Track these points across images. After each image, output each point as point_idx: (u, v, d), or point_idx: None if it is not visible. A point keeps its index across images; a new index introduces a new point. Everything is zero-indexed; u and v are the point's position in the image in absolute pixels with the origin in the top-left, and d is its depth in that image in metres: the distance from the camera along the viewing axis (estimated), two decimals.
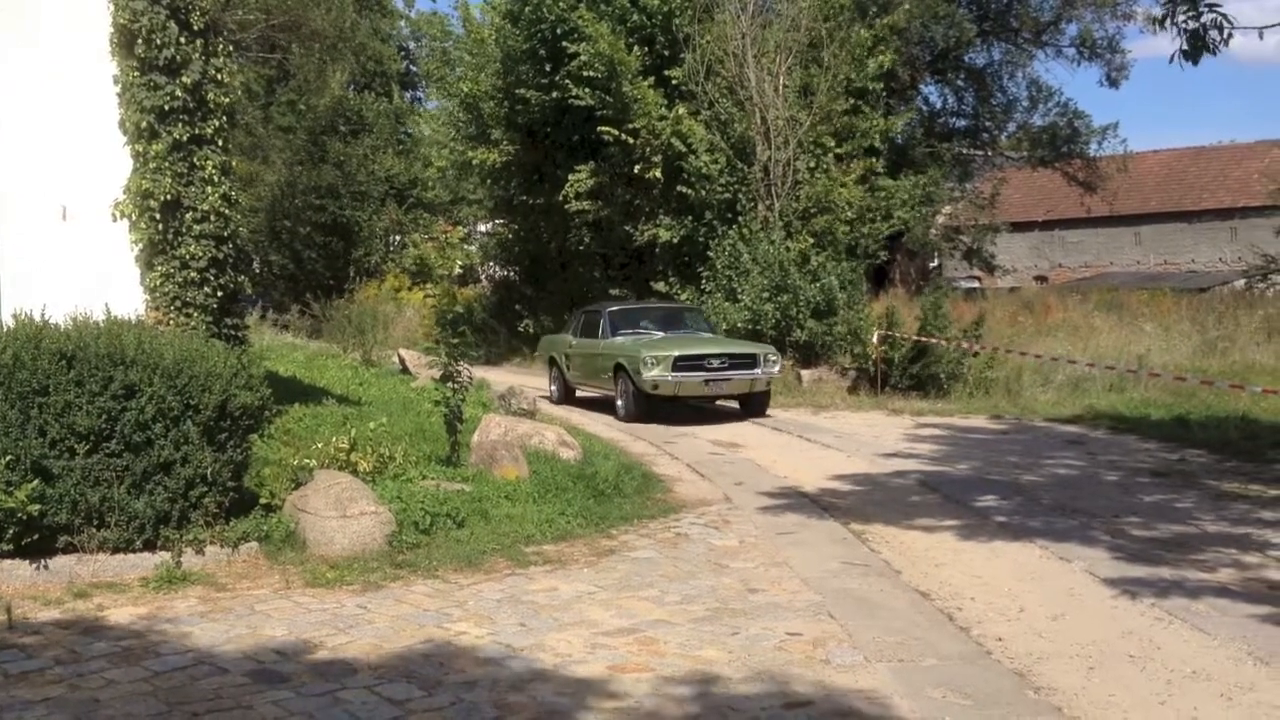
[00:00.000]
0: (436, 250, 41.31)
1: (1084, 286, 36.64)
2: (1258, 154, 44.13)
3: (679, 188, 22.68)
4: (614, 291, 26.13)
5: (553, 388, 19.12)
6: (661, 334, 17.44)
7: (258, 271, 35.74)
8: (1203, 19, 7.16)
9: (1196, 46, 7.23)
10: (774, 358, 16.89)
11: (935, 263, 23.76)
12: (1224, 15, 7.16)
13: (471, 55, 28.62)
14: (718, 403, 17.77)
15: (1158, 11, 7.63)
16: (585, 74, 23.05)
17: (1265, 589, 7.34)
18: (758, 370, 16.50)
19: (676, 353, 16.07)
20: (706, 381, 16.19)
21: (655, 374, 15.86)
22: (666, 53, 23.64)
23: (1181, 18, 7.23)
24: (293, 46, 32.43)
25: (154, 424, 7.35)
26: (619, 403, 16.57)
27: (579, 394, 18.86)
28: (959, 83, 35.39)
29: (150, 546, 7.48)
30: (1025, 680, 5.73)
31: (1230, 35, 7.25)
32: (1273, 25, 7.95)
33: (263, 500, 8.24)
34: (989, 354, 18.85)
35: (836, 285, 20.21)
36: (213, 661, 5.86)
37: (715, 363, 16.26)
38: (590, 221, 25.91)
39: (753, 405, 16.94)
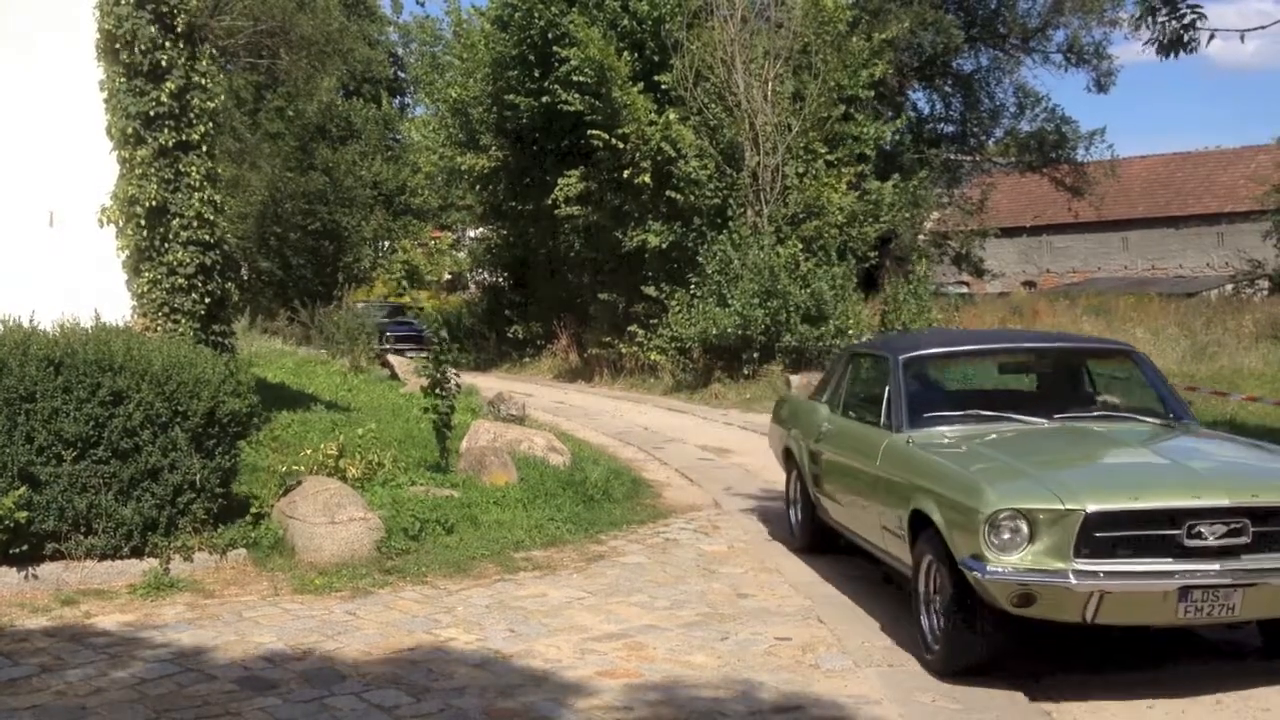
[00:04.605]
0: (425, 256, 41.33)
1: (1072, 291, 36.76)
2: (1244, 159, 44.29)
3: (668, 193, 22.66)
4: (603, 296, 26.05)
5: (792, 513, 9.07)
6: (1041, 422, 6.99)
7: (246, 278, 35.68)
8: (1184, 20, 7.21)
9: (1174, 44, 7.29)
10: None
11: (925, 269, 23.84)
12: (1201, 14, 7.23)
13: (461, 61, 28.63)
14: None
15: (1135, 11, 7.67)
16: (575, 79, 23.05)
17: None
18: None
19: (1090, 506, 5.47)
20: (1185, 592, 5.43)
21: (1019, 561, 5.51)
22: (656, 58, 23.63)
23: (1162, 16, 7.29)
24: (281, 52, 32.40)
25: (142, 430, 7.33)
26: (925, 618, 6.17)
27: (833, 530, 8.24)
28: (947, 89, 35.49)
29: (138, 553, 7.44)
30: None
31: (1213, 36, 7.32)
32: (1254, 29, 8.00)
33: (251, 507, 8.21)
34: None
35: (827, 289, 20.23)
36: (200, 668, 5.84)
37: (1210, 531, 5.49)
38: (579, 227, 25.90)
39: None
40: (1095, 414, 7.27)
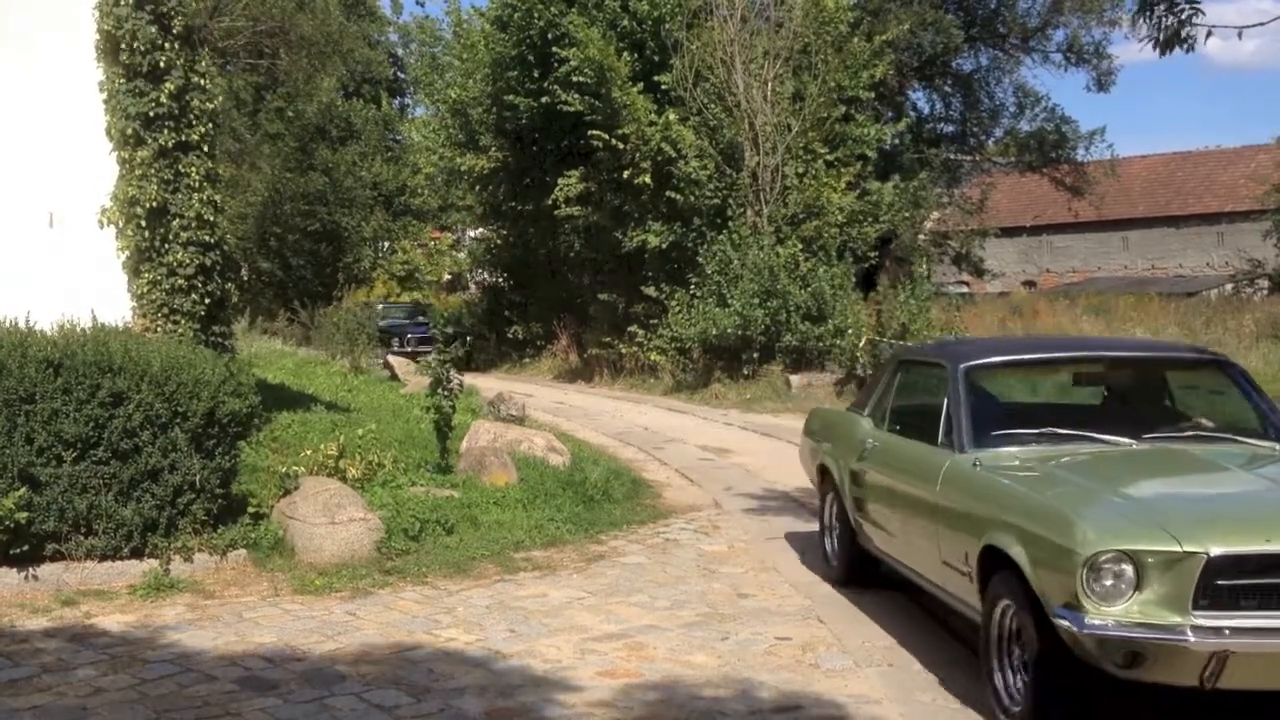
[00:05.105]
0: (425, 257, 41.32)
1: (1072, 291, 36.77)
2: (1244, 159, 44.30)
3: (668, 193, 22.68)
4: (603, 296, 26.04)
5: (828, 540, 8.13)
6: (1128, 442, 6.11)
7: (246, 279, 35.70)
8: (1181, 15, 7.16)
9: (1171, 41, 7.25)
10: None
11: (925, 269, 23.71)
12: (1198, 9, 7.18)
13: (460, 61, 28.64)
14: None
15: (1131, 10, 7.62)
16: (575, 79, 23.07)
17: None
18: None
19: (1214, 548, 4.61)
20: None
21: (1123, 613, 4.66)
22: (656, 58, 23.64)
23: (1159, 11, 7.24)
24: (281, 53, 32.41)
25: (141, 431, 7.33)
26: (999, 674, 5.31)
27: (875, 558, 7.42)
28: (946, 88, 35.47)
29: (138, 554, 7.44)
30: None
31: (1210, 33, 7.27)
32: (1252, 25, 7.95)
33: (251, 507, 8.21)
34: None
35: (828, 290, 20.22)
36: (201, 669, 5.84)
37: None
38: (579, 227, 25.91)
39: None
40: (1188, 433, 6.29)
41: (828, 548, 8.09)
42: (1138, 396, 7.05)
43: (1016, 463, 5.80)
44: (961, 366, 6.48)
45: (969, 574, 5.55)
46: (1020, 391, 8.20)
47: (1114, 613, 4.61)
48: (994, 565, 5.29)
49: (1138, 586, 4.61)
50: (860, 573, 7.59)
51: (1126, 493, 5.21)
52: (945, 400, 6.36)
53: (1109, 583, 4.63)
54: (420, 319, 32.79)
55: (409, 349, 27.38)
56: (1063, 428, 6.19)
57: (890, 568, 7.05)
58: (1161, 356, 7.56)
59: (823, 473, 8.23)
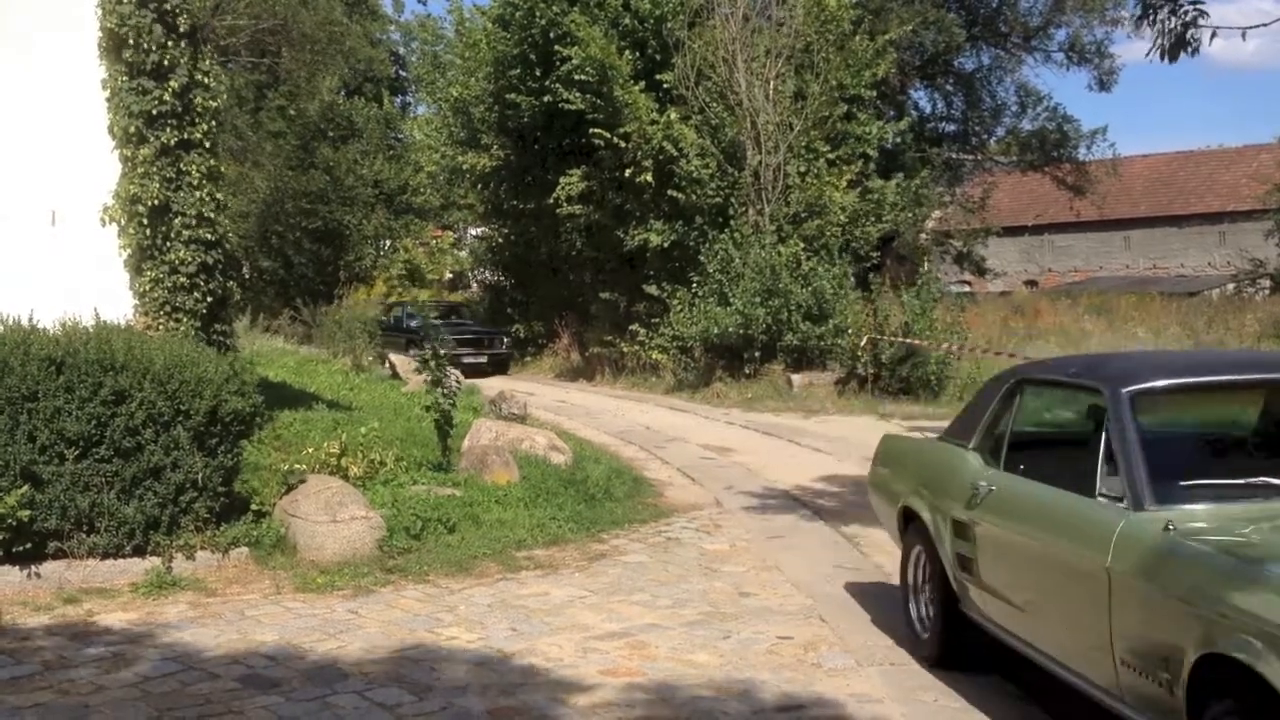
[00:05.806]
0: (427, 255, 41.31)
1: (1074, 290, 36.78)
2: (1246, 158, 44.34)
3: (670, 192, 22.68)
4: (605, 295, 26.04)
5: (914, 605, 6.34)
6: None
7: (248, 277, 35.68)
8: (1185, 17, 7.13)
9: (1176, 46, 7.23)
10: None
11: (925, 268, 23.64)
12: (1202, 11, 7.14)
13: (462, 60, 28.67)
14: None
15: (1135, 11, 7.59)
16: (576, 78, 23.08)
17: None
18: None
19: None
20: None
21: None
22: (658, 57, 23.65)
23: (1163, 15, 7.22)
24: (282, 51, 32.41)
25: (144, 429, 7.33)
26: None
27: (982, 629, 5.62)
28: (948, 87, 35.51)
29: (140, 552, 7.45)
30: (1017, 684, 5.74)
31: (1214, 35, 7.25)
32: (1256, 26, 7.94)
33: (253, 505, 8.21)
34: (974, 360, 18.80)
35: (829, 289, 20.21)
36: (203, 667, 5.85)
37: None
38: (581, 226, 25.92)
39: None
40: None
41: (914, 615, 6.34)
42: None
43: (1209, 525, 4.24)
44: (1125, 391, 4.82)
45: (1168, 685, 3.96)
46: (1195, 422, 6.11)
47: None
48: (1221, 681, 3.73)
49: None
50: (963, 649, 5.89)
51: None
52: (1103, 435, 4.77)
53: None
54: (455, 319, 32.48)
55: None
56: (1268, 474, 4.64)
57: (1008, 644, 5.36)
58: None
59: (907, 518, 6.45)
